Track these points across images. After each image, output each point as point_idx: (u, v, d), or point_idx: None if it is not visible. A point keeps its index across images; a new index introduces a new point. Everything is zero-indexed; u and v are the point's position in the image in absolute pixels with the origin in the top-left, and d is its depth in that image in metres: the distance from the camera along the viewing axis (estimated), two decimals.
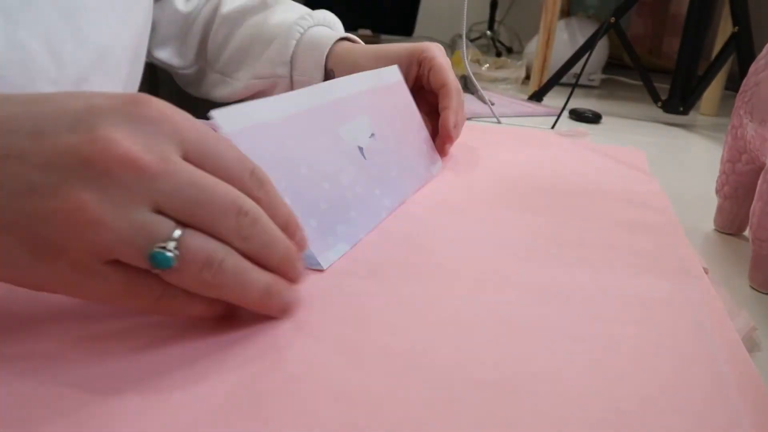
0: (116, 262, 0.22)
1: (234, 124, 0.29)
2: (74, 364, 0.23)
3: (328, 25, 0.64)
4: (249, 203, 0.24)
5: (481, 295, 0.30)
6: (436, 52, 0.56)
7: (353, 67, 0.56)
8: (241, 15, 0.63)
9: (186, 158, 0.23)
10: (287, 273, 0.26)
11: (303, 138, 0.35)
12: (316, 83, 0.47)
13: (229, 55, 0.64)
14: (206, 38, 0.65)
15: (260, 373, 0.23)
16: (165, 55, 0.65)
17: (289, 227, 0.27)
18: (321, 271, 0.31)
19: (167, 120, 0.23)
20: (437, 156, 0.53)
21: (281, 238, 0.26)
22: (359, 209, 0.37)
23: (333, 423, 0.20)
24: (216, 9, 0.64)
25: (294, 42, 0.60)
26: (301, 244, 0.27)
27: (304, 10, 0.64)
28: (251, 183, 0.25)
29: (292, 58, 0.60)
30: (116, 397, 0.21)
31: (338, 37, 0.60)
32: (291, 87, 0.61)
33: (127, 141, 0.22)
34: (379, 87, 0.46)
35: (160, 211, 0.22)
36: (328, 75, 0.59)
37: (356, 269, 0.32)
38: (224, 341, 0.25)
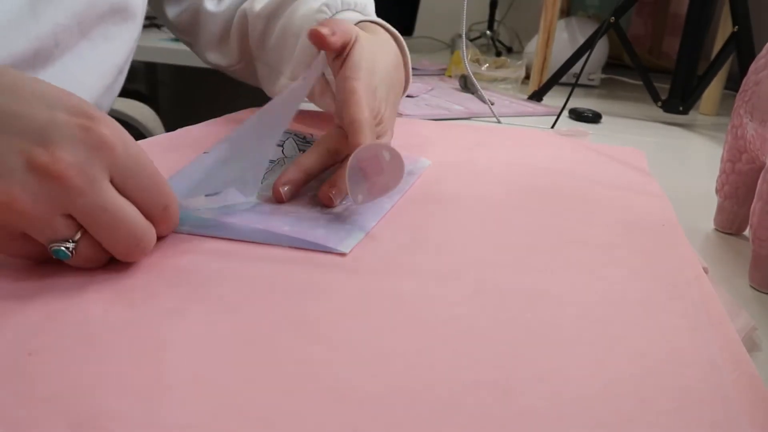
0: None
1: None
2: (68, 358, 0.23)
3: (352, 7, 0.58)
4: (147, 236, 0.30)
5: (480, 295, 0.30)
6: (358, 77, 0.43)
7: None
8: (272, 10, 0.62)
9: (112, 181, 0.28)
10: None
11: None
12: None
13: (270, 50, 0.63)
14: (245, 36, 0.65)
15: (259, 373, 0.23)
16: (213, 57, 0.69)
17: None
18: (342, 255, 0.34)
19: (107, 147, 0.28)
20: (420, 158, 0.53)
21: None
22: (360, 210, 0.39)
23: (333, 423, 0.20)
24: (250, 7, 0.63)
25: None
26: None
27: None
28: (159, 216, 0.31)
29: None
30: (114, 397, 0.21)
31: (356, 21, 0.53)
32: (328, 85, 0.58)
33: (67, 159, 0.27)
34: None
35: (71, 218, 0.28)
36: None
37: (355, 267, 0.32)
38: (221, 340, 0.25)
